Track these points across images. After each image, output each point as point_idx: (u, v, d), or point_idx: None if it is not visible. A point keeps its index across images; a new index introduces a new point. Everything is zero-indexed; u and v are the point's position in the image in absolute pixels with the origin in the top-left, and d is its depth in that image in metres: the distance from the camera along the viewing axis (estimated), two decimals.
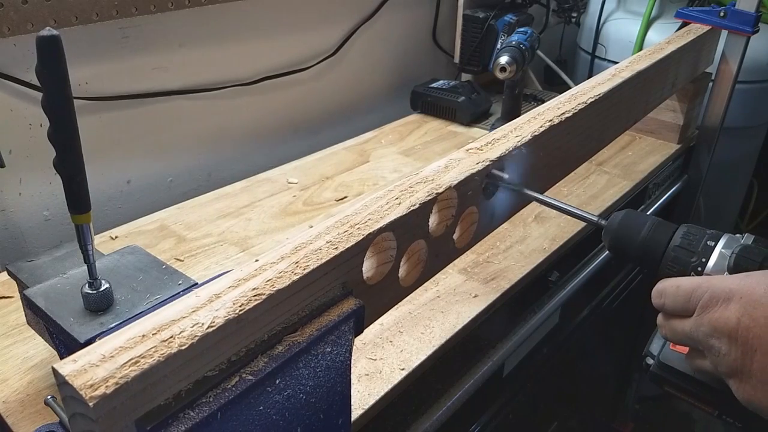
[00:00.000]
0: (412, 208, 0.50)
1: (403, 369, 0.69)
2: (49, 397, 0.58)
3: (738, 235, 0.54)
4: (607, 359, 1.44)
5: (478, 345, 0.82)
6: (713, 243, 0.53)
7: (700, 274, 0.53)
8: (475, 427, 0.88)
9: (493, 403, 0.91)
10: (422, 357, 0.70)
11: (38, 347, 0.71)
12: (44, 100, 0.47)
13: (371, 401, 0.65)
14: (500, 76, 1.19)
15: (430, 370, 0.72)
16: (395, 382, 0.67)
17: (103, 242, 0.91)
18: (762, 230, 2.09)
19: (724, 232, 0.54)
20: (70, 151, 0.50)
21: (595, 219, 0.59)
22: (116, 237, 0.93)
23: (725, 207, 1.74)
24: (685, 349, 0.65)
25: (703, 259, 0.53)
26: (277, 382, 0.39)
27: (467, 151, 0.60)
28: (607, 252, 1.07)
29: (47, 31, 0.44)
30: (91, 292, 0.57)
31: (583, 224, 0.95)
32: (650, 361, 0.68)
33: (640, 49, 1.48)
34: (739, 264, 0.51)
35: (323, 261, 0.43)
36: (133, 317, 0.56)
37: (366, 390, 0.66)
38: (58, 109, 0.48)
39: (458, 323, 0.75)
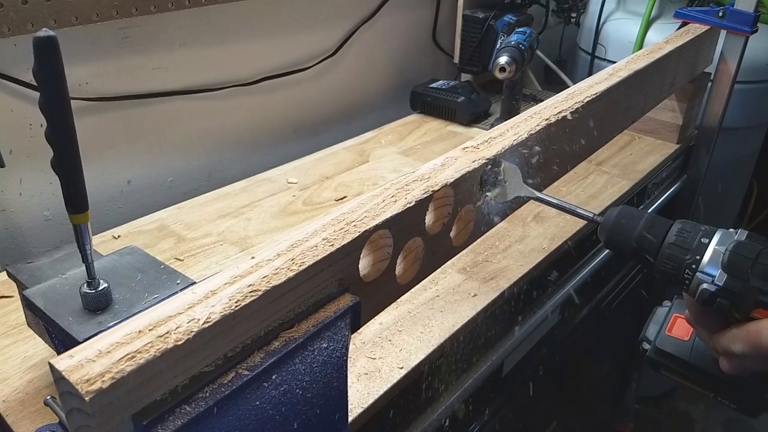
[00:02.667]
0: (408, 206, 0.50)
1: (402, 368, 0.69)
2: (48, 397, 0.58)
3: (732, 230, 0.54)
4: (607, 359, 1.44)
5: (478, 344, 0.82)
6: (707, 240, 0.53)
7: (694, 271, 0.53)
8: (474, 426, 0.88)
9: (493, 403, 0.91)
10: (421, 356, 0.70)
11: (38, 347, 0.71)
12: (41, 100, 0.47)
13: (370, 400, 0.65)
14: (500, 76, 1.19)
15: (429, 369, 0.72)
16: (394, 381, 0.67)
17: (105, 242, 0.92)
18: (762, 230, 2.07)
19: (718, 228, 0.54)
20: (67, 151, 0.50)
21: (591, 216, 0.59)
22: (119, 236, 0.93)
23: (725, 207, 1.74)
24: (683, 335, 0.66)
25: (697, 257, 0.53)
26: (273, 377, 0.39)
27: (464, 149, 0.60)
28: (606, 252, 1.08)
29: (44, 32, 0.45)
30: (89, 291, 0.57)
31: (582, 224, 0.95)
32: (646, 346, 0.69)
33: (640, 49, 1.48)
34: (732, 261, 0.51)
35: (319, 258, 0.43)
36: (131, 316, 0.56)
37: (365, 389, 0.66)
38: (55, 109, 0.48)
39: (457, 322, 0.75)
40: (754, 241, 0.53)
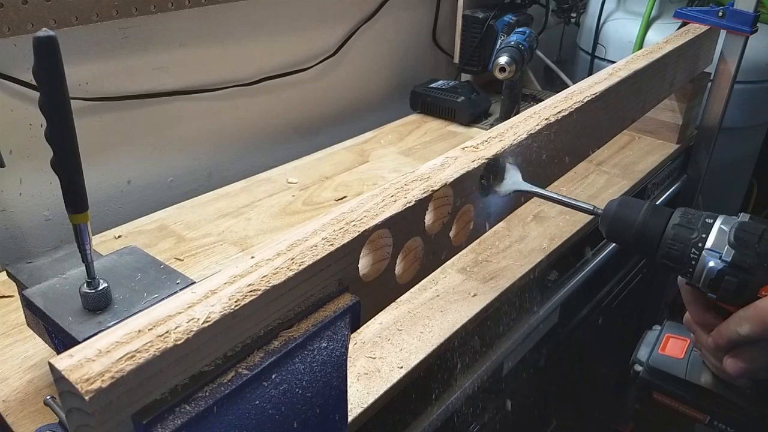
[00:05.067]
0: (407, 206, 0.50)
1: (402, 368, 0.69)
2: (48, 397, 0.58)
3: (733, 216, 0.54)
4: (607, 359, 1.44)
5: (478, 344, 0.82)
6: (711, 220, 0.53)
7: (700, 249, 0.52)
8: (474, 426, 0.88)
9: (493, 403, 0.91)
10: (421, 356, 0.70)
11: (38, 346, 0.71)
12: (41, 100, 0.47)
13: (370, 400, 0.65)
14: (500, 76, 1.19)
15: (429, 369, 0.72)
16: (394, 380, 0.67)
17: (106, 241, 0.92)
18: None
19: (720, 214, 0.54)
20: (67, 151, 0.50)
21: (591, 208, 0.59)
22: (119, 236, 0.93)
23: (724, 207, 1.73)
24: (678, 353, 0.65)
25: (703, 235, 0.52)
26: (273, 376, 0.39)
27: (463, 149, 0.60)
28: (607, 251, 1.08)
29: (44, 32, 0.45)
30: (89, 291, 0.57)
31: (581, 224, 0.95)
32: (639, 368, 0.67)
33: (640, 49, 1.48)
34: (739, 237, 0.51)
35: (319, 257, 0.43)
36: (131, 316, 0.56)
37: (365, 389, 0.66)
38: (54, 109, 0.48)
39: (457, 322, 0.75)
40: (758, 222, 0.52)
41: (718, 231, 0.52)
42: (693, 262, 0.53)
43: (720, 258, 0.51)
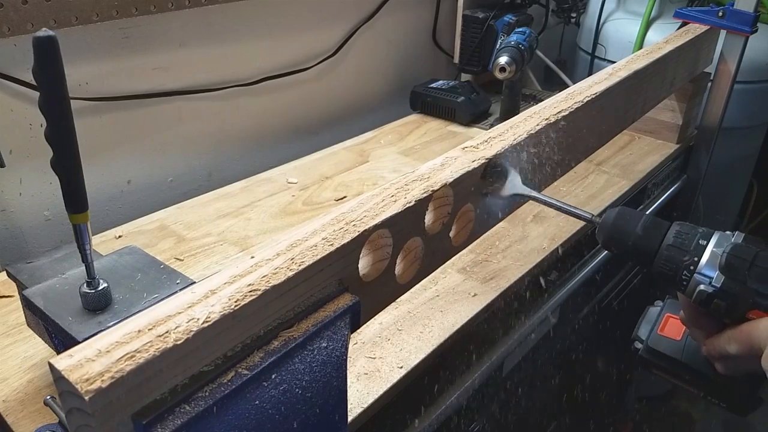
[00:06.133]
0: (407, 206, 0.50)
1: (401, 368, 0.69)
2: (48, 397, 0.58)
3: (728, 232, 0.55)
4: (607, 359, 1.44)
5: (477, 344, 0.82)
6: (705, 242, 0.54)
7: (692, 272, 0.54)
8: (474, 426, 0.88)
9: (493, 403, 0.91)
10: (421, 356, 0.70)
11: (38, 346, 0.71)
12: (41, 100, 0.47)
13: (370, 400, 0.65)
14: (500, 76, 1.19)
15: (429, 369, 0.72)
16: (394, 380, 0.67)
17: (106, 241, 0.91)
18: (761, 230, 2.08)
19: (715, 230, 0.55)
20: (67, 151, 0.50)
21: (589, 216, 0.59)
22: (120, 236, 0.93)
23: (724, 207, 1.74)
24: (676, 334, 0.67)
25: (695, 258, 0.54)
26: (273, 376, 0.39)
27: (463, 149, 0.61)
28: (606, 252, 1.08)
29: (44, 32, 0.45)
30: (89, 291, 0.57)
31: (581, 224, 0.95)
32: (638, 345, 0.70)
33: (640, 49, 1.48)
34: (730, 263, 0.52)
35: (319, 257, 0.43)
36: (131, 316, 0.56)
37: (365, 389, 0.66)
38: (54, 109, 0.48)
39: (457, 322, 0.75)
40: (751, 244, 0.53)
41: (710, 255, 0.53)
42: (685, 283, 0.54)
43: (710, 283, 0.53)
